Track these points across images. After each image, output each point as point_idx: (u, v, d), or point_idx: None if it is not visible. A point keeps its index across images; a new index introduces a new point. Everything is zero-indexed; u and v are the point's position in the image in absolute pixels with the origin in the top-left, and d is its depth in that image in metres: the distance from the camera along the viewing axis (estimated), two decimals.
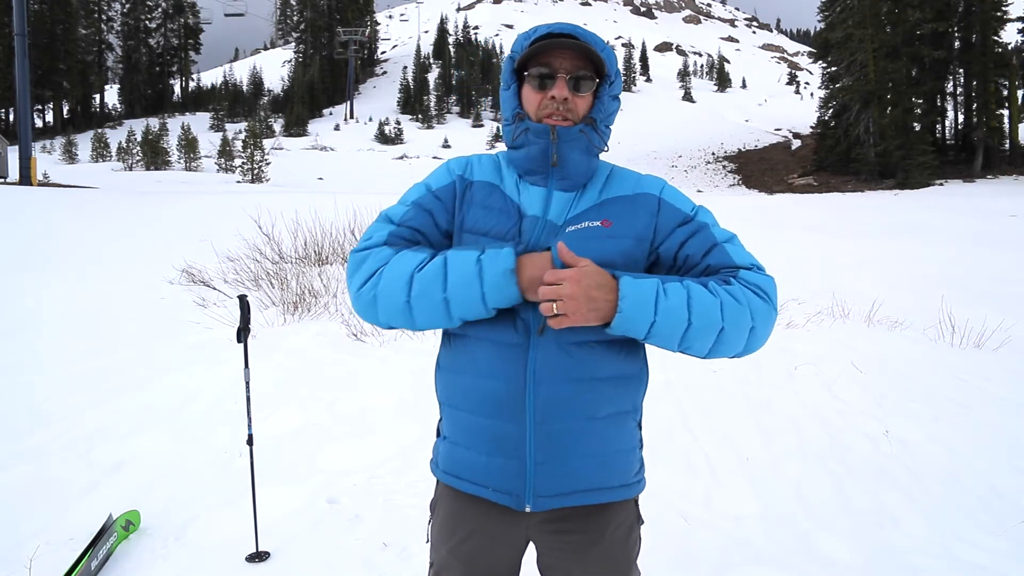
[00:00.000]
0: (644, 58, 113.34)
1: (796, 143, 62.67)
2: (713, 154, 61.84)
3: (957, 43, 45.01)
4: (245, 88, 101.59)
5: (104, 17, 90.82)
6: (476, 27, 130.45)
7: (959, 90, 46.39)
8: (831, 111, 49.85)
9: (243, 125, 69.99)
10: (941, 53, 43.52)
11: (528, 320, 1.28)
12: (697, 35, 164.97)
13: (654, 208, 1.35)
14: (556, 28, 1.32)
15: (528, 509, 1.31)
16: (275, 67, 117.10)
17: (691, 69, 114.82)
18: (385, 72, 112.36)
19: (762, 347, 1.30)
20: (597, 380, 1.28)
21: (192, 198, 21.65)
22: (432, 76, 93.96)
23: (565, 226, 1.32)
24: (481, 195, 1.37)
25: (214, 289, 7.35)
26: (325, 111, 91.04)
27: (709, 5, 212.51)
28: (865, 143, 44.99)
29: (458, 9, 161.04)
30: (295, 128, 77.82)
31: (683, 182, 52.22)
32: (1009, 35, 46.42)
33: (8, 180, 31.06)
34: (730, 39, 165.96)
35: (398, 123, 76.69)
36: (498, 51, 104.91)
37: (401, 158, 62.26)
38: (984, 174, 40.81)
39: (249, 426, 2.76)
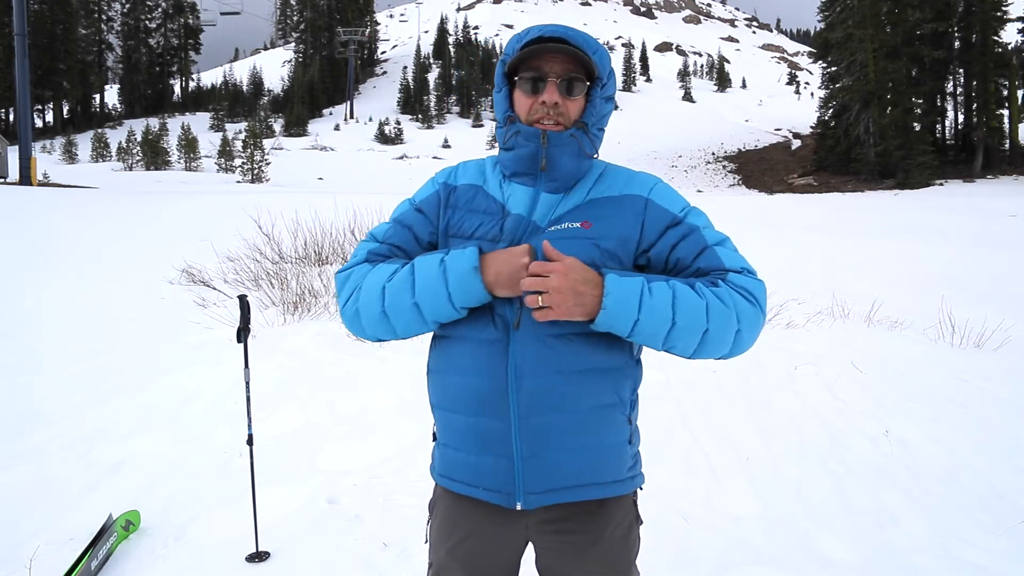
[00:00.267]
0: (644, 58, 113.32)
1: (796, 143, 62.67)
2: (713, 154, 61.84)
3: (957, 43, 45.02)
4: (245, 88, 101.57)
5: (104, 17, 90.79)
6: (476, 27, 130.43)
7: (959, 90, 46.40)
8: (831, 111, 49.85)
9: (243, 125, 69.96)
10: (941, 53, 43.53)
11: (506, 316, 1.28)
12: (697, 35, 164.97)
13: (640, 208, 1.34)
14: (547, 31, 1.31)
15: (519, 507, 1.31)
16: (275, 67, 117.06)
17: (691, 69, 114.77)
18: (385, 72, 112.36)
19: (749, 349, 1.30)
20: (578, 372, 1.28)
21: (192, 198, 21.65)
22: (432, 76, 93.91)
23: (548, 226, 1.32)
24: (465, 198, 1.39)
25: (214, 289, 7.36)
26: (325, 111, 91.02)
27: (709, 5, 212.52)
28: (865, 143, 44.99)
29: (458, 9, 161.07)
30: (295, 128, 77.79)
31: (683, 182, 52.22)
32: (1009, 35, 46.43)
33: (8, 180, 31.06)
34: (730, 39, 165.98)
35: (398, 123, 76.67)
36: (498, 51, 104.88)
37: (401, 158, 62.24)
38: (984, 174, 40.82)
39: (249, 426, 2.76)
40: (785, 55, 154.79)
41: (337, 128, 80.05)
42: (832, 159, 48.17)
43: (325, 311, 6.31)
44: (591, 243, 1.29)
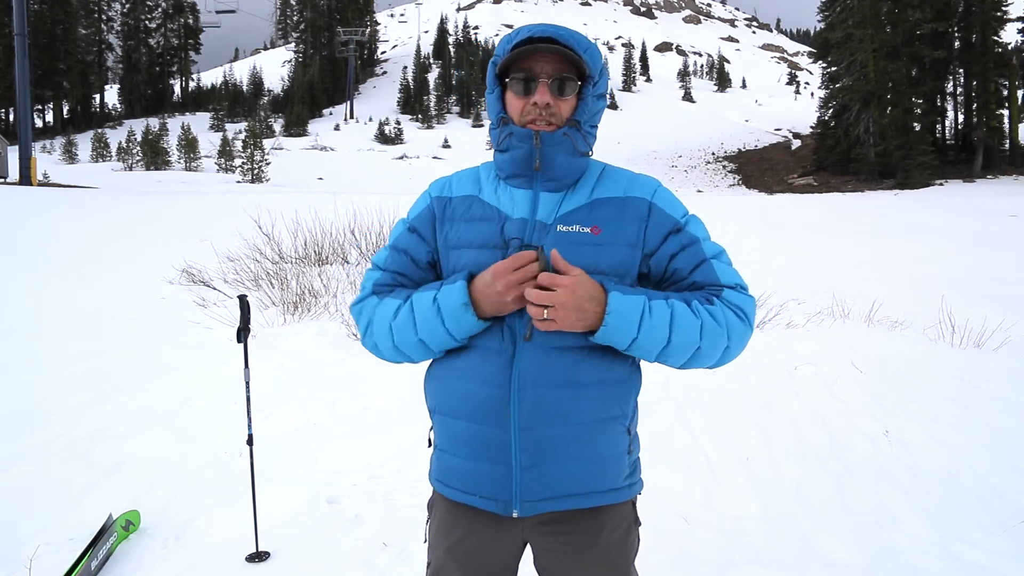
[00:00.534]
0: (644, 58, 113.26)
1: (796, 143, 62.68)
2: (713, 154, 61.84)
3: (957, 43, 45.02)
4: (245, 88, 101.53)
5: (104, 17, 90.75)
6: (476, 27, 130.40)
7: (959, 90, 46.41)
8: (831, 111, 49.86)
9: (243, 125, 69.92)
10: (941, 53, 43.53)
11: (514, 327, 1.29)
12: (697, 35, 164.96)
13: (644, 213, 1.34)
14: (537, 31, 1.30)
15: (516, 514, 1.31)
16: (275, 67, 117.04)
17: (691, 69, 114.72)
18: (385, 72, 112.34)
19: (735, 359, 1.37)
20: (581, 385, 1.29)
21: (192, 198, 21.66)
22: (432, 76, 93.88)
23: (555, 224, 1.32)
24: (461, 209, 1.39)
25: (214, 289, 7.36)
26: (325, 111, 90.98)
27: (709, 5, 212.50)
28: (865, 143, 44.99)
29: (458, 9, 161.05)
30: (295, 128, 77.75)
31: (683, 182, 52.21)
32: (1009, 35, 46.44)
33: (8, 180, 31.06)
34: (730, 39, 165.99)
35: (398, 123, 76.65)
36: None
37: (401, 158, 62.22)
38: (984, 174, 40.82)
39: (249, 426, 2.76)
40: (785, 55, 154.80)
41: (337, 128, 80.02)
42: (832, 159, 48.18)
43: (325, 311, 6.31)
44: (600, 250, 1.30)
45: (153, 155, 57.00)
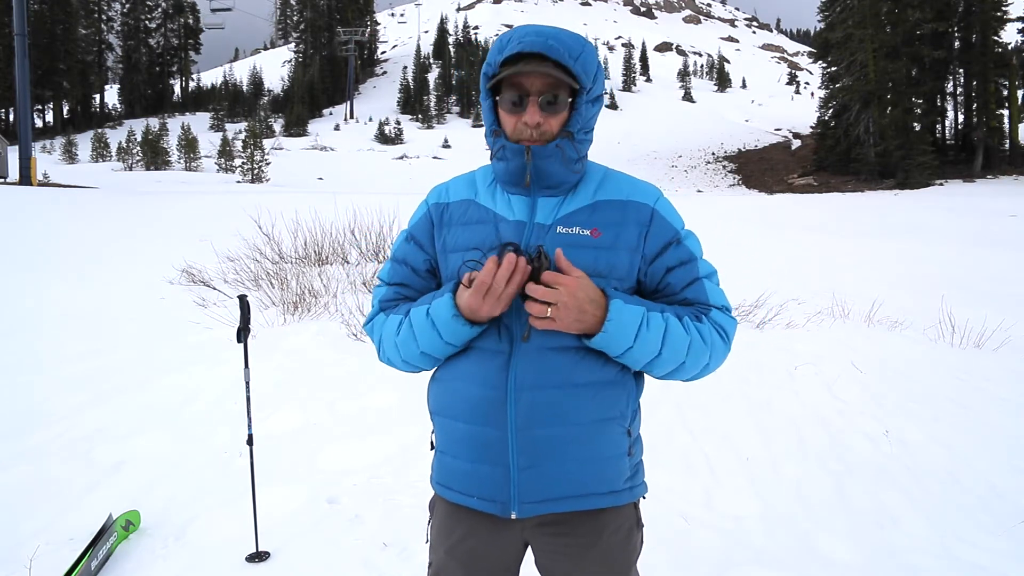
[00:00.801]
0: (644, 58, 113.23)
1: (796, 143, 62.66)
2: (713, 154, 61.83)
3: (957, 43, 45.01)
4: (245, 88, 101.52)
5: (104, 17, 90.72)
6: (476, 27, 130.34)
7: (959, 90, 46.40)
8: (831, 111, 49.84)
9: (243, 125, 69.87)
10: (941, 53, 43.52)
11: (512, 327, 1.30)
12: (697, 35, 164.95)
13: (646, 219, 1.34)
14: (527, 45, 1.26)
15: (514, 516, 1.32)
16: (275, 67, 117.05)
17: (691, 69, 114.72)
18: (385, 72, 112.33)
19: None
20: (578, 386, 1.29)
21: (192, 198, 21.66)
22: (432, 76, 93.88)
23: (555, 225, 1.32)
24: (458, 213, 1.40)
25: (214, 289, 7.36)
26: (325, 111, 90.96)
27: (709, 5, 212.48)
28: (865, 143, 44.99)
29: (458, 9, 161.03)
30: (295, 128, 77.72)
31: (683, 182, 52.21)
32: (1009, 35, 46.44)
33: (8, 180, 31.04)
34: (730, 39, 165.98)
35: (398, 123, 76.62)
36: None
37: (401, 158, 62.18)
38: (984, 174, 40.82)
39: (249, 426, 2.76)
40: (785, 55, 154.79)
41: (337, 128, 80.00)
42: (832, 159, 48.17)
43: (325, 311, 6.31)
44: (599, 253, 1.30)
45: (153, 155, 56.97)
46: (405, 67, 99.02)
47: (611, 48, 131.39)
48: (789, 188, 46.72)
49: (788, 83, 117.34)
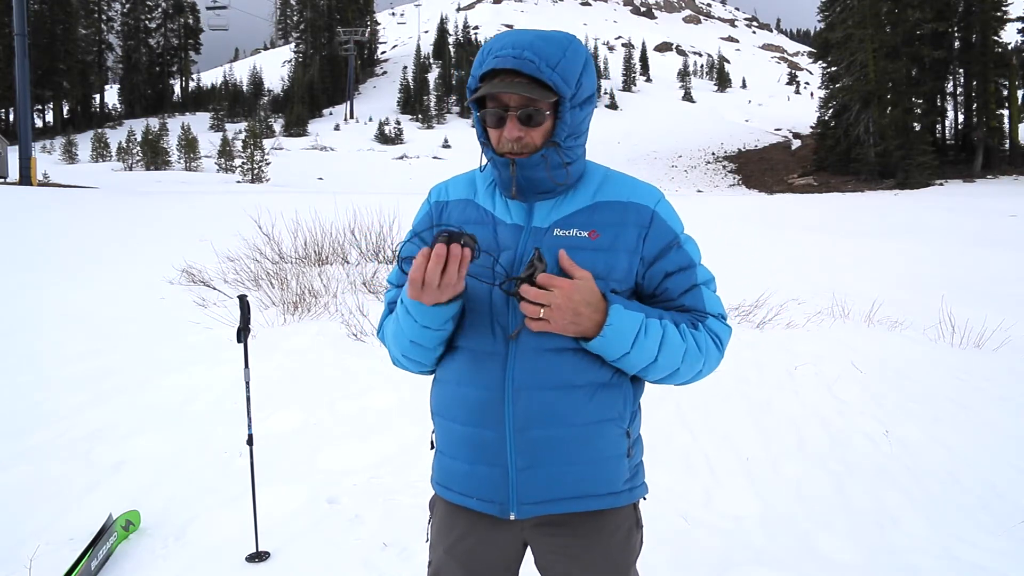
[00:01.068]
0: (644, 58, 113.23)
1: (796, 143, 62.67)
2: (713, 154, 61.83)
3: (957, 43, 45.04)
4: (245, 88, 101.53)
5: (104, 17, 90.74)
6: (476, 27, 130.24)
7: (959, 90, 46.42)
8: (831, 111, 49.87)
9: (243, 125, 69.88)
10: (941, 53, 43.54)
11: (507, 327, 1.30)
12: (697, 35, 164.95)
13: (646, 220, 1.33)
14: (500, 62, 1.24)
15: (512, 517, 1.32)
16: (275, 67, 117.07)
17: (691, 69, 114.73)
18: (385, 72, 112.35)
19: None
20: (574, 387, 1.29)
21: (192, 198, 21.66)
22: (432, 76, 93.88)
23: (552, 228, 1.32)
24: (457, 211, 1.41)
25: (214, 289, 7.36)
26: (325, 111, 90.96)
27: (709, 5, 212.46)
28: (865, 143, 45.00)
29: (458, 9, 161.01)
30: (295, 128, 77.72)
31: (683, 182, 52.22)
32: (1009, 35, 46.46)
33: (8, 180, 31.04)
34: (730, 39, 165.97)
35: (398, 123, 76.61)
36: None
37: (401, 158, 62.18)
38: (984, 174, 40.84)
39: (249, 426, 2.76)
40: (785, 55, 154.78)
41: (337, 128, 80.00)
42: (832, 159, 48.18)
43: (325, 311, 6.31)
44: (597, 255, 1.30)
45: (153, 155, 56.98)
46: (405, 67, 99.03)
47: (611, 48, 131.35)
48: (789, 188, 46.73)
49: (788, 83, 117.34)
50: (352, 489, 3.18)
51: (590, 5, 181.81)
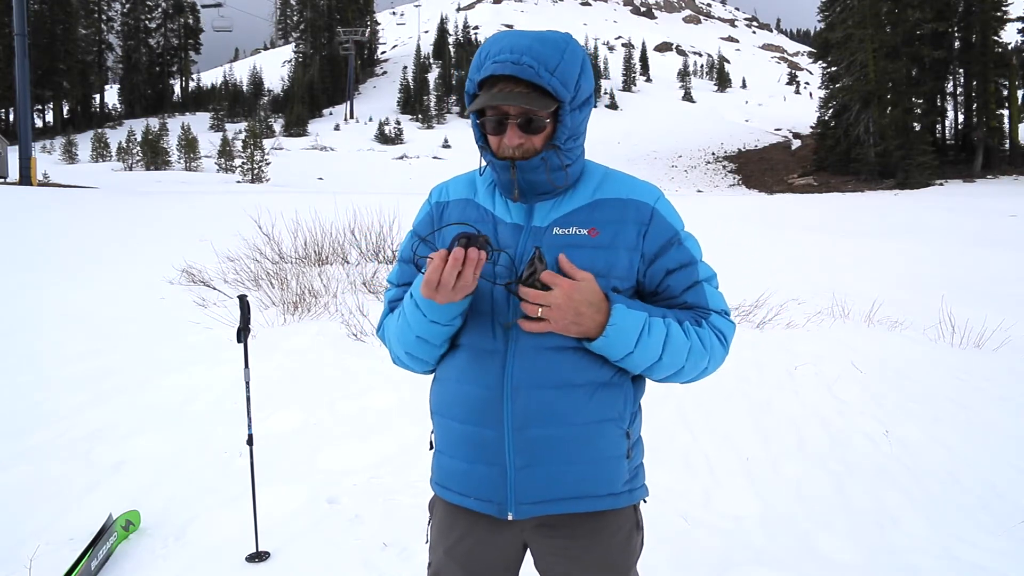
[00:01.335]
0: (644, 58, 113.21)
1: (796, 143, 62.66)
2: (713, 154, 61.82)
3: (957, 43, 45.04)
4: (245, 88, 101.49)
5: (104, 17, 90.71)
6: (476, 27, 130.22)
7: (959, 90, 46.42)
8: (831, 111, 49.87)
9: (243, 125, 69.85)
10: (941, 53, 43.54)
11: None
12: (697, 35, 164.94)
13: (646, 217, 1.33)
14: (498, 68, 1.23)
15: (511, 517, 1.31)
16: (275, 67, 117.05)
17: (691, 69, 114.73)
18: (385, 72, 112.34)
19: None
20: (574, 386, 1.29)
21: (192, 198, 21.66)
22: (432, 76, 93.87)
23: (551, 227, 1.32)
24: (457, 211, 1.41)
25: (214, 289, 7.36)
26: (325, 111, 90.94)
27: (709, 5, 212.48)
28: (865, 143, 45.00)
29: (458, 9, 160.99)
30: (295, 128, 77.70)
31: (683, 182, 52.21)
32: (1009, 35, 46.46)
33: (8, 180, 31.04)
34: (730, 39, 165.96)
35: (398, 123, 76.60)
36: None
37: (401, 158, 62.16)
38: (984, 174, 40.83)
39: (249, 426, 2.76)
40: (785, 55, 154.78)
41: (337, 128, 79.98)
42: (832, 159, 48.18)
43: (325, 311, 6.31)
44: (597, 252, 1.30)
45: (153, 155, 56.97)
46: (405, 67, 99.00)
47: (611, 48, 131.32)
48: (789, 188, 46.72)
49: (788, 83, 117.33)
50: (352, 489, 3.18)
51: (590, 5, 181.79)
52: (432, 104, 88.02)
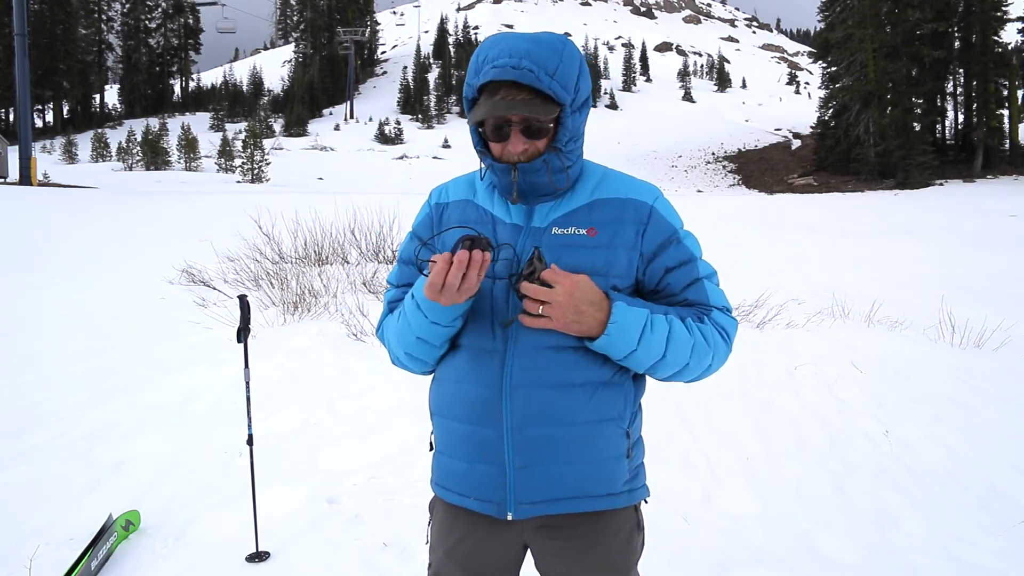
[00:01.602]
0: (644, 58, 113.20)
1: (796, 143, 62.64)
2: (713, 154, 61.81)
3: (957, 43, 45.05)
4: (245, 88, 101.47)
5: (104, 17, 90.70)
6: (476, 27, 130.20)
7: (959, 90, 46.42)
8: (831, 111, 49.87)
9: (243, 125, 69.84)
10: (941, 53, 43.54)
11: (509, 327, 1.30)
12: (697, 35, 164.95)
13: (644, 217, 1.33)
14: (499, 73, 1.23)
15: (510, 517, 1.31)
16: (275, 67, 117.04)
17: (691, 69, 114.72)
18: (385, 72, 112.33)
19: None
20: (573, 386, 1.29)
21: (192, 198, 21.66)
22: (432, 76, 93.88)
23: (550, 227, 1.32)
24: (457, 212, 1.41)
25: (214, 289, 7.36)
26: (325, 111, 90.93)
27: (709, 5, 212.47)
28: (865, 143, 45.00)
29: (458, 9, 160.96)
30: (295, 128, 77.69)
31: (683, 182, 52.20)
32: (1009, 35, 46.45)
33: (8, 180, 31.03)
34: (730, 39, 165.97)
35: (398, 123, 76.59)
36: None
37: (401, 158, 62.16)
38: (984, 174, 40.83)
39: (249, 426, 2.76)
40: (785, 55, 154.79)
41: (337, 128, 79.97)
42: (832, 159, 48.18)
43: (325, 311, 6.31)
44: (596, 252, 1.30)
45: (153, 155, 56.96)
46: (405, 67, 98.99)
47: (611, 48, 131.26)
48: (789, 188, 46.72)
49: (788, 83, 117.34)
50: (352, 489, 3.18)
51: (590, 5, 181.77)
52: (432, 104, 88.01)
